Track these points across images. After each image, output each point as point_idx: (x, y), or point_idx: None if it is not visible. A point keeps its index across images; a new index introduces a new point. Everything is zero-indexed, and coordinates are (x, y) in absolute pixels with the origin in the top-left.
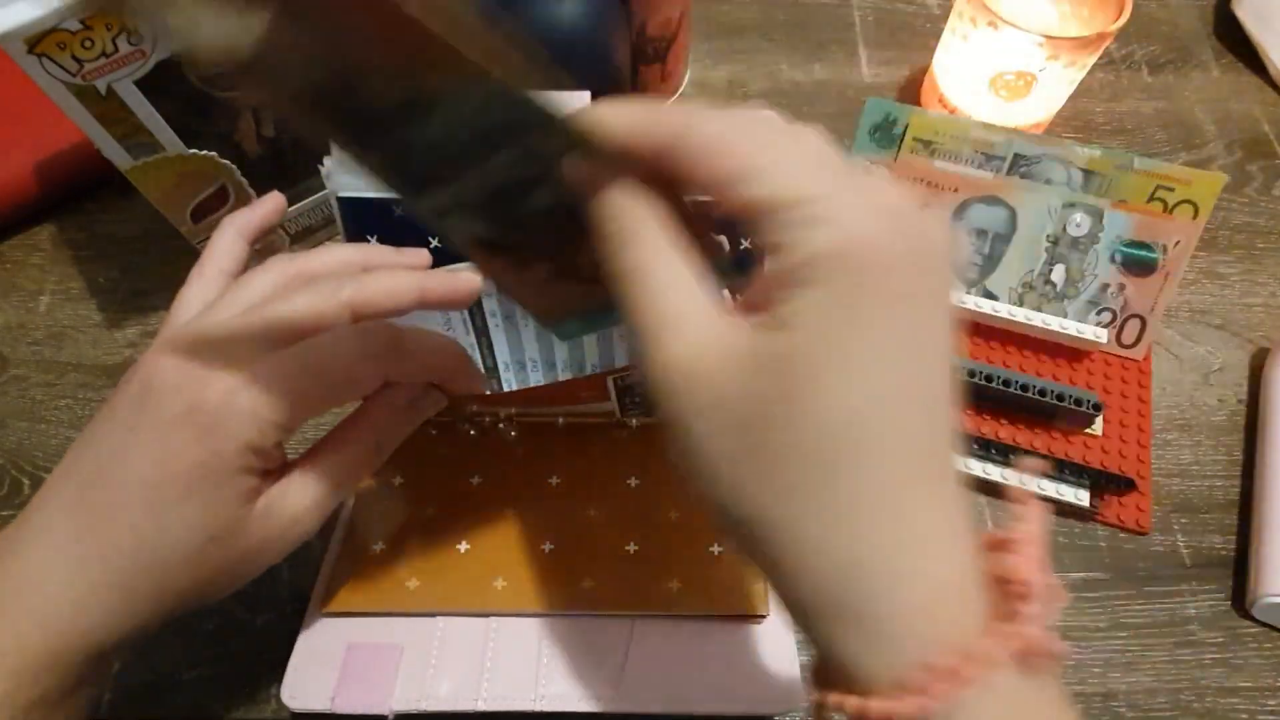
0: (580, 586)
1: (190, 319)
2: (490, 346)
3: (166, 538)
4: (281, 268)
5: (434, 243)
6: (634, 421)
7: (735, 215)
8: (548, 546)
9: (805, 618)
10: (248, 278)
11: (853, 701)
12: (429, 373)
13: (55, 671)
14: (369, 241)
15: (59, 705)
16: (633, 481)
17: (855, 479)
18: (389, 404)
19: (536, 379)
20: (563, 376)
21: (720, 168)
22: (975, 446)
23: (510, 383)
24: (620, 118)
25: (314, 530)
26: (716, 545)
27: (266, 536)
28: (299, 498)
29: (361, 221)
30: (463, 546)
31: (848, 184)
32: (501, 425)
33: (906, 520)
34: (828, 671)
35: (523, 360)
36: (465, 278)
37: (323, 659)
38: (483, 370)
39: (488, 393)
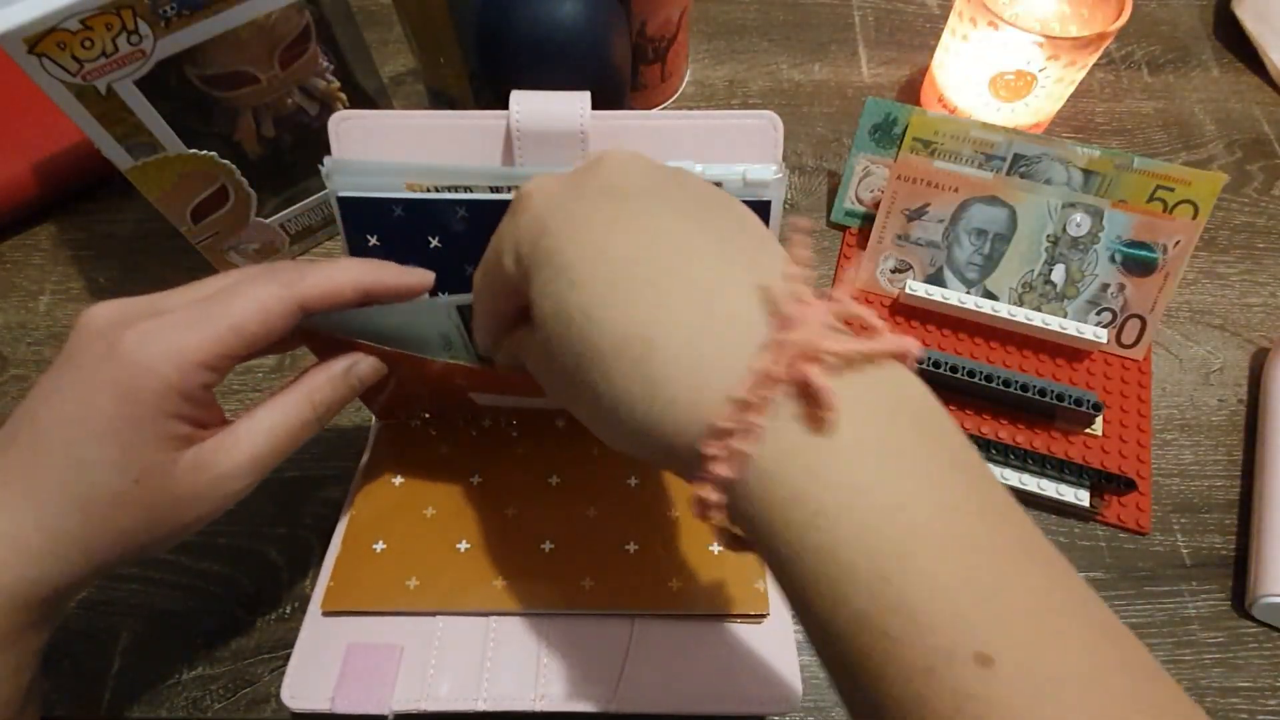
0: (580, 586)
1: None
2: None
3: (88, 477)
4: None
5: (434, 242)
6: None
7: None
8: (548, 546)
9: (635, 425)
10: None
11: (704, 488)
12: (346, 289)
13: None
14: (369, 239)
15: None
16: (633, 481)
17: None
18: (326, 369)
19: None
20: None
21: (491, 276)
22: (975, 446)
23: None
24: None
25: (248, 488)
26: (716, 545)
27: (196, 487)
28: (232, 453)
29: (361, 221)
30: (462, 546)
31: (508, 215)
32: (502, 425)
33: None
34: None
35: None
36: (417, 272)
37: (323, 659)
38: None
39: (429, 290)
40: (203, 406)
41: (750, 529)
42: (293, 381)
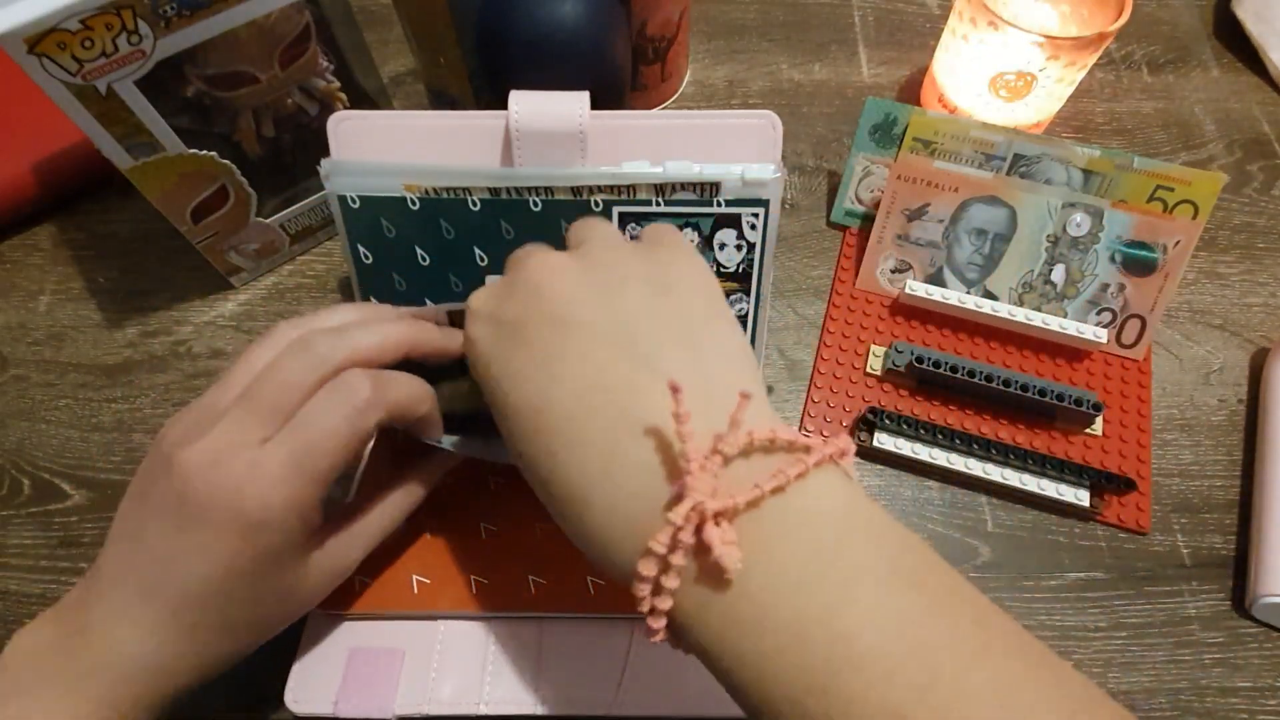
0: (581, 589)
1: (198, 414)
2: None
3: (240, 618)
4: (275, 337)
5: (433, 242)
6: None
7: None
8: (549, 549)
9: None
10: (247, 353)
11: (642, 631)
12: (409, 413)
13: (145, 710)
14: (367, 239)
15: None
16: None
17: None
18: (427, 472)
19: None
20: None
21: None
22: (975, 446)
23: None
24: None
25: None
26: None
27: (323, 587)
28: (350, 555)
29: (360, 221)
30: (464, 549)
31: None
32: None
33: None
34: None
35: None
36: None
37: (325, 664)
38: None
39: (438, 443)
40: (315, 521)
41: (693, 651)
42: (400, 477)
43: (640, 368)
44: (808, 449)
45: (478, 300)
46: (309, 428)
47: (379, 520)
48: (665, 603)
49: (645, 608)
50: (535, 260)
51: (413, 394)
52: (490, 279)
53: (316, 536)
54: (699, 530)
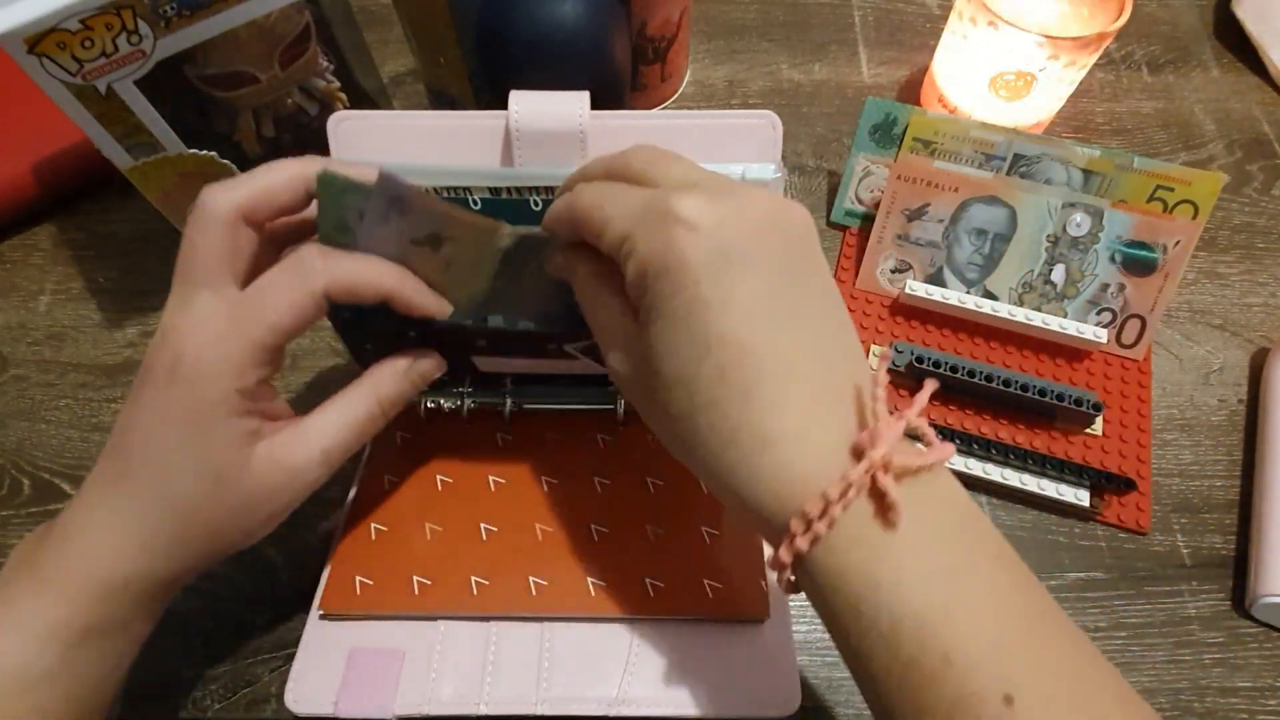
0: (582, 589)
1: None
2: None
3: (175, 481)
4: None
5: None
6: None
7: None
8: (548, 549)
9: (739, 499)
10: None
11: (783, 551)
12: (370, 289)
13: (104, 603)
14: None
15: (109, 634)
16: (635, 484)
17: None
18: (390, 366)
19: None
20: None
21: (590, 232)
22: (975, 446)
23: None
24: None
25: (320, 480)
26: (710, 530)
27: (273, 481)
28: (305, 448)
29: None
30: (464, 549)
31: (650, 219)
32: (504, 414)
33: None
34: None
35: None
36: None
37: (325, 664)
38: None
39: (444, 317)
40: (264, 399)
41: (811, 586)
42: (358, 378)
43: (836, 325)
44: (931, 443)
45: (695, 210)
46: (256, 291)
47: (340, 417)
48: (823, 527)
49: (801, 528)
50: (761, 193)
51: (365, 272)
52: None
53: (266, 421)
54: (873, 476)
